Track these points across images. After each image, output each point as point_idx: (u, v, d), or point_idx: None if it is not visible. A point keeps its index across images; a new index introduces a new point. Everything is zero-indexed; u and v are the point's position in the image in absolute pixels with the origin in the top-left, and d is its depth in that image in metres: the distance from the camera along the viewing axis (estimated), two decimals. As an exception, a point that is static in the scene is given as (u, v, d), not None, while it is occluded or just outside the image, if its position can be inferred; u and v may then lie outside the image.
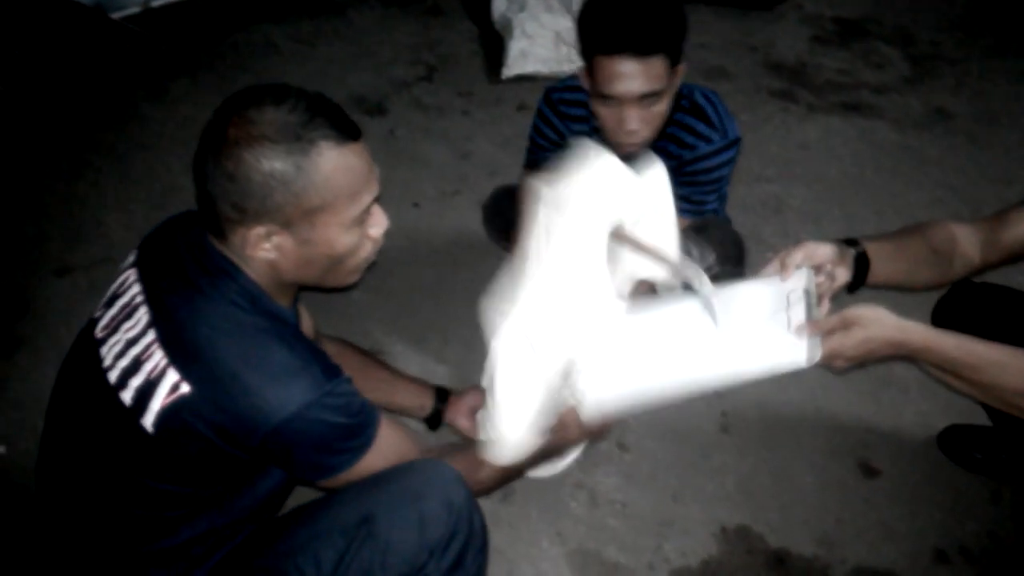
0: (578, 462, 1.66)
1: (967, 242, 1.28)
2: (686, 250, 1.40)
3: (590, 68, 1.51)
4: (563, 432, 1.31)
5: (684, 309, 1.31)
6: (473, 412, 1.53)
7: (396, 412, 1.58)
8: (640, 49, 1.44)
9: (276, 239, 0.98)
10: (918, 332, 1.07)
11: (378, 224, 1.06)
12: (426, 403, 1.56)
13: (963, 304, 1.44)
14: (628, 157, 1.40)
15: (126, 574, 1.05)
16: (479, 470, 1.21)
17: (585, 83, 1.57)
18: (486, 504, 1.60)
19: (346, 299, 2.03)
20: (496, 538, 1.55)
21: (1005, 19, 3.23)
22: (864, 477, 1.66)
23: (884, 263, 1.23)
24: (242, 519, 1.10)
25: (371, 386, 1.47)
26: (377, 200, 1.05)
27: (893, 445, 1.71)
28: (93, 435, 1.03)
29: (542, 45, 2.93)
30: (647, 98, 1.49)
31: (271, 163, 0.93)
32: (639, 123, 1.51)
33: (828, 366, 1.12)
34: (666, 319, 1.33)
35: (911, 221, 2.30)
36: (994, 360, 1.05)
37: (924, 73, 2.97)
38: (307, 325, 1.41)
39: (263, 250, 0.99)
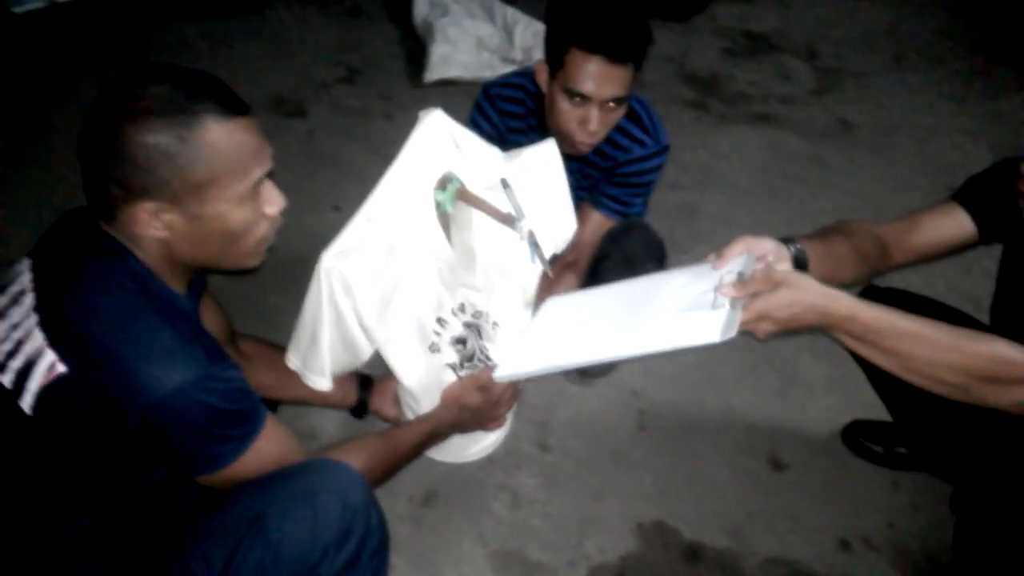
0: (500, 464, 1.68)
1: (882, 244, 1.34)
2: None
3: (558, 62, 1.52)
4: (456, 404, 1.39)
5: (613, 292, 1.36)
6: (397, 398, 1.54)
7: (321, 405, 1.57)
8: (620, 55, 1.47)
9: (166, 216, 0.98)
10: (844, 300, 1.07)
11: (273, 202, 1.05)
12: (350, 393, 1.55)
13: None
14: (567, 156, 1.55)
15: (27, 566, 1.02)
16: (376, 453, 1.23)
17: (542, 77, 1.58)
18: (408, 507, 1.61)
19: (264, 302, 1.99)
20: (418, 541, 1.55)
21: (903, 35, 3.42)
22: (773, 471, 1.73)
23: (816, 262, 1.24)
24: (131, 515, 1.08)
25: (293, 382, 1.46)
26: (271, 177, 1.05)
27: (800, 440, 1.79)
28: None
29: (464, 50, 2.95)
30: (613, 102, 1.52)
31: (155, 136, 0.93)
32: (600, 125, 1.54)
33: (753, 332, 1.09)
34: (589, 300, 1.37)
35: (817, 227, 2.42)
36: (913, 331, 1.07)
37: (829, 86, 3.12)
38: (218, 322, 1.38)
39: (153, 228, 0.98)
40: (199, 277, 1.19)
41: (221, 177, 0.97)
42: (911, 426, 1.58)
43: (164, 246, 1.01)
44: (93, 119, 0.95)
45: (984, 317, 1.44)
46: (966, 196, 1.37)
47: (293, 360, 1.40)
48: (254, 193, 1.02)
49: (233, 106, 0.98)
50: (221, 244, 1.03)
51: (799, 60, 3.27)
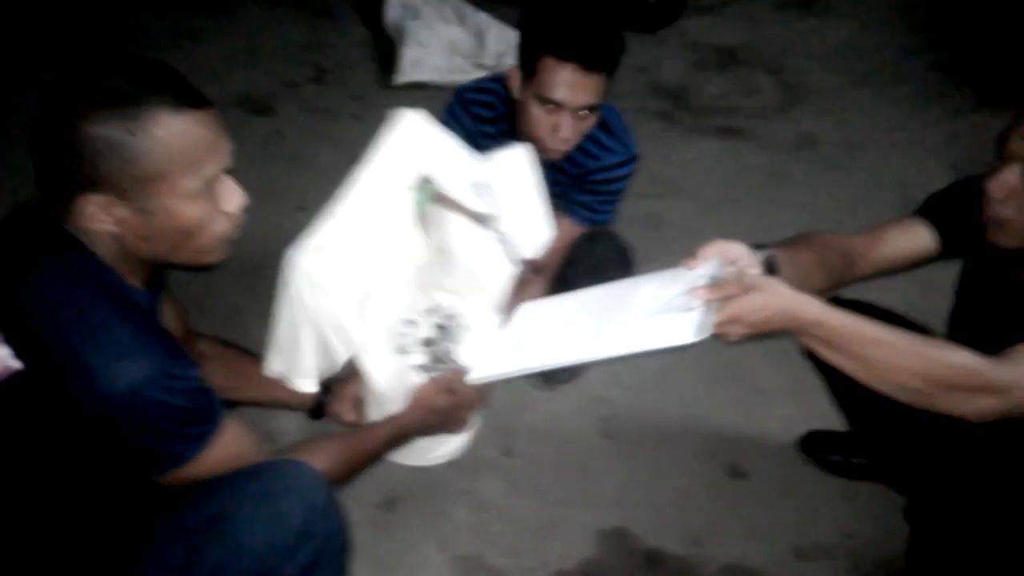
0: (462, 469, 1.67)
1: (847, 255, 1.36)
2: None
3: (531, 69, 1.52)
4: (423, 406, 1.39)
5: (587, 296, 1.37)
6: (358, 402, 1.53)
7: (279, 406, 1.55)
8: (593, 63, 1.48)
9: (115, 210, 0.95)
10: (813, 306, 1.09)
11: (231, 199, 1.03)
12: (308, 394, 1.53)
13: None
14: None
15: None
16: (339, 454, 1.22)
17: (515, 83, 1.59)
18: (368, 512, 1.60)
19: (227, 302, 1.97)
20: (379, 547, 1.54)
21: (866, 53, 3.49)
22: (732, 479, 1.75)
23: (785, 269, 1.26)
24: (85, 514, 1.05)
25: (249, 383, 1.44)
26: (230, 173, 1.03)
27: (759, 449, 1.81)
28: None
29: (436, 54, 2.95)
30: (585, 110, 1.53)
31: (102, 129, 0.91)
32: (572, 132, 1.56)
33: (723, 335, 1.10)
34: (563, 304, 1.38)
35: (780, 239, 2.46)
36: (879, 338, 1.09)
37: (793, 101, 3.17)
38: (176, 319, 1.36)
39: (103, 222, 0.96)
40: (158, 273, 1.17)
41: (171, 172, 0.95)
42: (868, 435, 1.62)
43: (117, 241, 0.99)
44: (44, 109, 0.93)
45: (939, 331, 1.47)
46: (930, 211, 1.40)
47: (274, 366, 1.38)
48: (208, 190, 0.99)
49: (187, 98, 0.96)
50: (174, 240, 1.01)
51: (765, 75, 3.32)
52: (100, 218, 0.95)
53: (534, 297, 1.76)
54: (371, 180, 1.34)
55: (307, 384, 1.38)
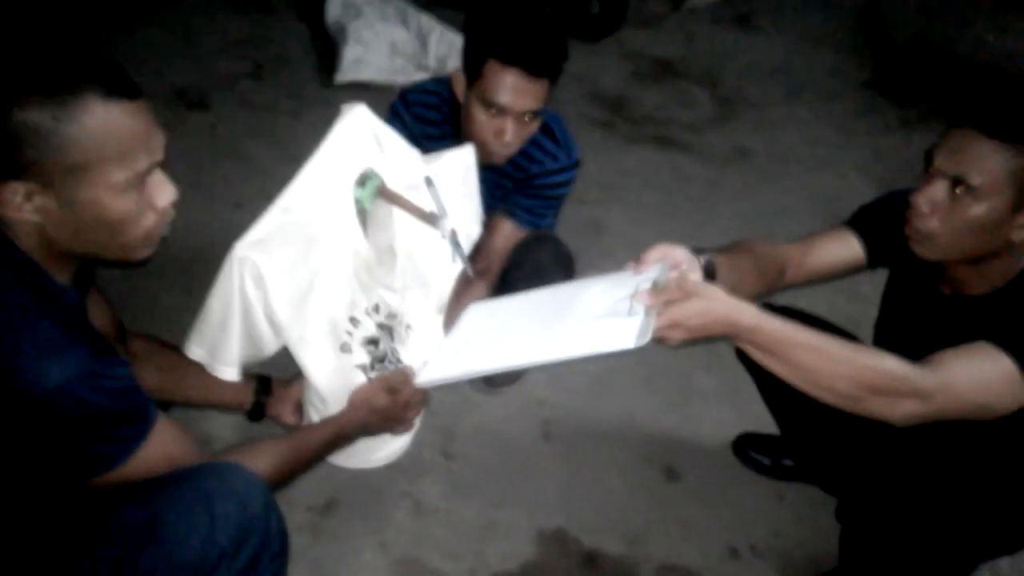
0: (403, 472, 1.66)
1: (780, 263, 1.41)
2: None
3: (476, 72, 1.53)
4: (365, 406, 1.38)
5: (534, 299, 1.37)
6: (299, 405, 1.50)
7: (215, 408, 1.51)
8: (537, 68, 1.49)
9: (39, 200, 0.92)
10: (750, 312, 1.11)
11: (161, 193, 1.00)
12: (247, 395, 1.49)
13: None
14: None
15: None
16: (279, 455, 1.20)
17: (459, 86, 1.59)
18: (307, 516, 1.57)
19: (158, 301, 1.91)
20: (318, 551, 1.52)
21: (797, 71, 3.62)
22: (668, 480, 1.79)
23: (723, 274, 1.29)
24: (17, 518, 1.01)
25: (185, 383, 1.40)
26: (161, 167, 1.00)
27: (694, 451, 1.85)
28: None
29: (377, 54, 2.93)
30: (528, 114, 1.54)
31: (26, 113, 0.88)
32: (515, 136, 1.57)
33: (664, 339, 1.11)
34: (509, 307, 1.39)
35: (714, 246, 2.52)
36: (812, 344, 1.12)
37: (727, 114, 3.26)
38: (106, 318, 1.32)
39: (26, 212, 0.92)
40: (86, 269, 1.12)
41: (98, 162, 0.92)
42: (799, 438, 1.67)
43: (42, 233, 0.95)
44: None
45: (863, 338, 1.53)
46: (858, 223, 1.46)
47: (197, 350, 1.35)
48: (137, 183, 0.96)
49: (119, 88, 0.93)
50: (100, 234, 0.97)
51: (701, 88, 3.41)
52: (23, 208, 0.92)
53: (476, 299, 1.77)
54: (315, 173, 1.32)
55: (228, 372, 1.35)
